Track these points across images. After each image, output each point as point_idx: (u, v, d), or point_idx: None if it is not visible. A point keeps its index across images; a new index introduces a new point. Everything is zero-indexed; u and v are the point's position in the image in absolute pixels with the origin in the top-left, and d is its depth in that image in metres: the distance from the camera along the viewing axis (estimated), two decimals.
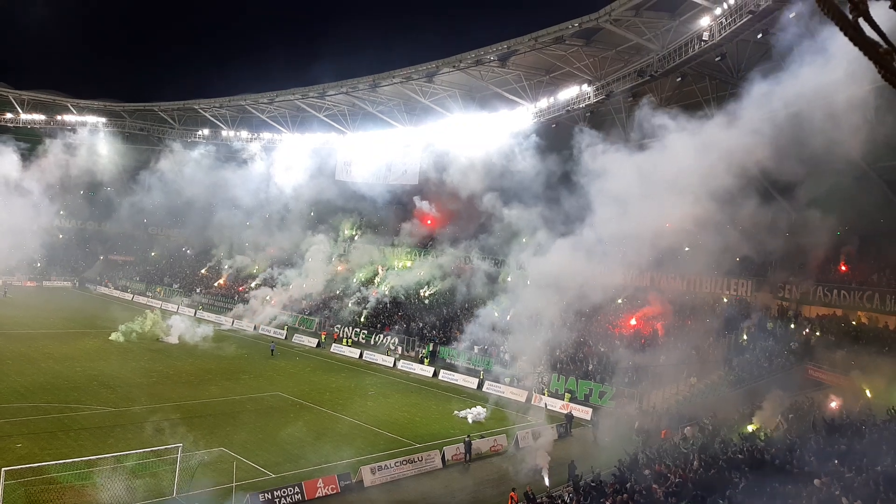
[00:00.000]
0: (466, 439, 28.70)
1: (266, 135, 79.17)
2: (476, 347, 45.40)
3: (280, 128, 76.63)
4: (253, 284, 67.59)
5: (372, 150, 68.74)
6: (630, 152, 32.98)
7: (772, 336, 36.29)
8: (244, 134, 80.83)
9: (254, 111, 75.49)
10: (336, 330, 54.91)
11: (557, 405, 37.10)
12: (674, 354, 36.27)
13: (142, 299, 73.38)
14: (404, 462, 26.45)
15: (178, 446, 22.85)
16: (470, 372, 43.74)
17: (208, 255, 79.45)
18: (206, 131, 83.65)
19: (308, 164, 70.47)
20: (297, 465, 25.49)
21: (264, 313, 59.39)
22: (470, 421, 33.78)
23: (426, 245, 62.19)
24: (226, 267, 74.46)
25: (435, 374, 44.92)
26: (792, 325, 37.47)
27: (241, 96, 73.89)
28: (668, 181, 29.97)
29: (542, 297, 36.84)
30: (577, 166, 37.91)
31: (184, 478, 22.48)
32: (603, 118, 50.11)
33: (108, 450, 25.19)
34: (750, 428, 27.10)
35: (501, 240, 45.57)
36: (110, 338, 49.00)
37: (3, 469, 19.56)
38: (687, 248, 38.29)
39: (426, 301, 55.52)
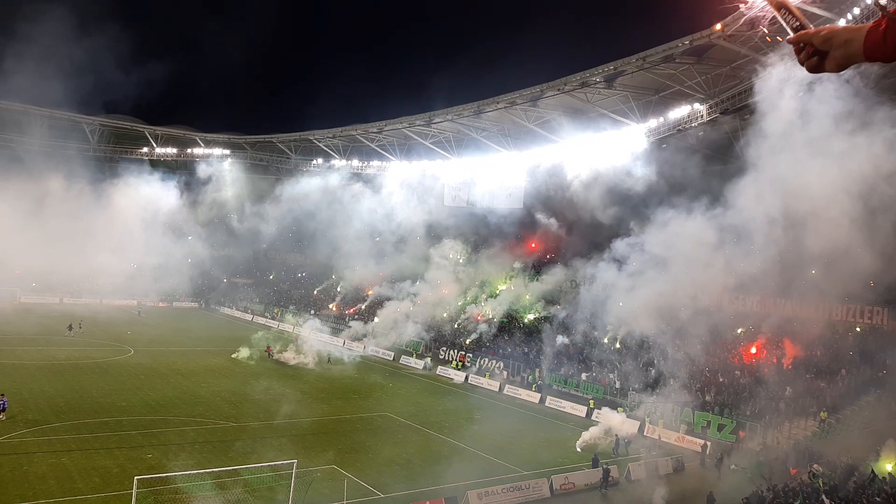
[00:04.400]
0: (605, 466, 28.18)
1: (375, 162, 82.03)
2: (585, 374, 44.28)
3: (388, 155, 79.14)
4: (363, 307, 69.31)
5: (477, 174, 69.50)
6: (754, 173, 31.28)
7: None
8: (355, 162, 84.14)
9: (364, 140, 78.47)
10: (462, 353, 54.41)
11: (672, 437, 35.39)
12: (801, 386, 33.77)
13: (260, 320, 77.41)
14: (511, 489, 26.05)
15: (293, 462, 23.60)
16: (578, 399, 42.66)
17: (322, 279, 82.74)
18: (319, 160, 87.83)
19: (415, 189, 72.15)
20: (406, 486, 25.67)
21: (381, 332, 60.27)
22: (579, 450, 32.83)
23: (534, 268, 61.59)
24: (338, 289, 77.14)
25: (542, 400, 44.16)
26: None
27: (352, 126, 77.11)
28: (794, 202, 28.19)
29: (657, 322, 35.45)
30: (692, 187, 36.50)
31: (298, 493, 23.17)
32: (717, 136, 48.01)
33: (228, 463, 26.48)
34: (888, 467, 24.64)
35: (612, 263, 44.21)
36: (233, 356, 51.89)
37: (136, 477, 20.90)
38: (813, 272, 35.74)
39: (534, 325, 54.85)
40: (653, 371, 40.02)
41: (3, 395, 31.42)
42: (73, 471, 25.06)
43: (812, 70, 2.69)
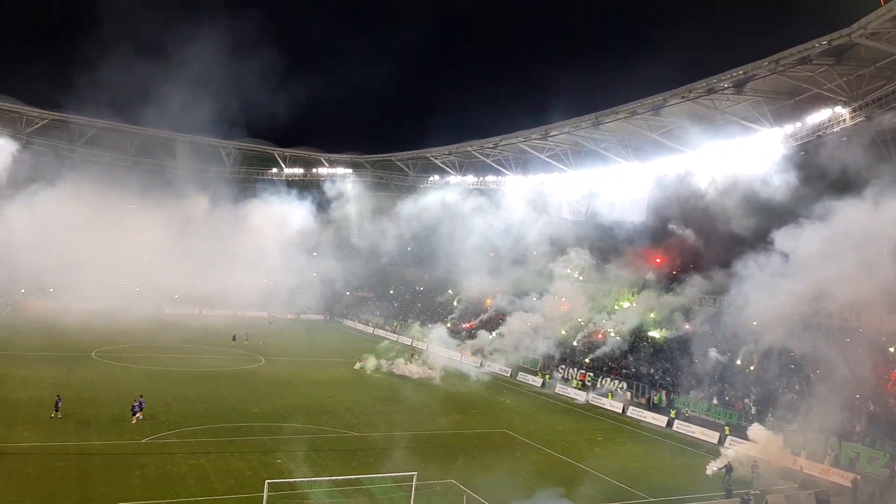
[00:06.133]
0: (746, 497, 26.37)
1: (491, 177, 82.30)
2: (716, 397, 41.66)
3: (503, 170, 79.16)
4: (481, 321, 69.10)
5: (596, 186, 67.95)
6: None
7: None
8: (471, 178, 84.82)
9: (479, 156, 78.99)
10: (583, 372, 52.62)
11: (817, 469, 32.47)
12: None
13: (381, 332, 79.50)
14: None
15: (413, 474, 23.72)
16: (709, 424, 40.16)
17: (440, 293, 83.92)
18: (436, 177, 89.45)
19: (532, 203, 71.56)
20: None
21: (502, 348, 59.77)
22: (709, 473, 30.77)
23: (663, 282, 58.89)
24: (455, 303, 77.78)
25: (669, 423, 41.98)
26: None
27: (467, 143, 77.83)
28: None
29: (799, 342, 32.71)
30: (840, 194, 33.50)
31: None
32: (864, 141, 43.93)
33: (350, 471, 27.17)
34: None
35: (749, 275, 41.17)
36: (355, 367, 53.52)
37: (266, 481, 21.76)
38: None
39: (662, 343, 52.43)
40: (794, 395, 36.96)
41: (141, 396, 34.00)
42: (210, 472, 26.55)
43: None
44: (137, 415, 32.81)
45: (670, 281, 57.99)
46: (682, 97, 50.73)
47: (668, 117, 55.38)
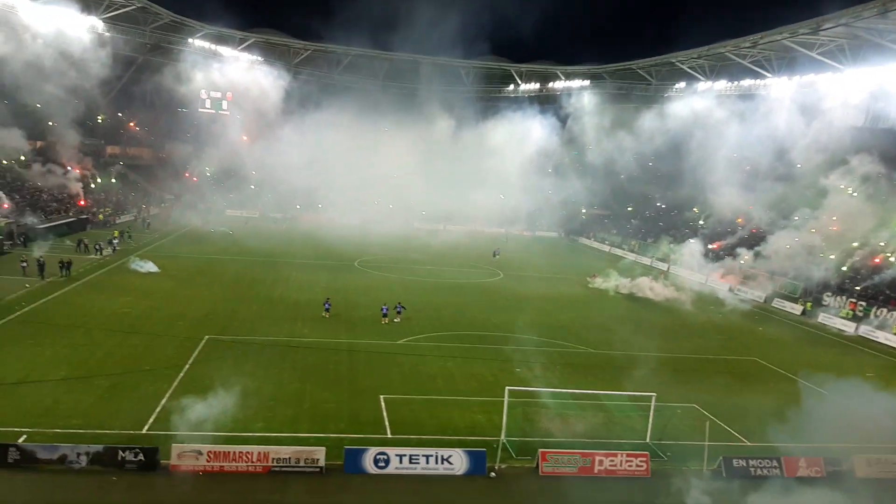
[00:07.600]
0: None
1: (746, 81, 73.99)
2: None
3: (763, 72, 70.55)
4: (736, 237, 63.23)
5: (882, 87, 57.40)
6: None
7: None
8: (722, 83, 77.01)
9: (734, 57, 71.25)
10: (853, 301, 46.48)
11: None
12: None
13: (618, 251, 77.80)
14: None
15: (652, 395, 23.20)
16: None
17: (685, 210, 79.12)
18: (682, 84, 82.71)
19: (799, 108, 62.84)
20: (776, 439, 23.27)
21: (755, 272, 55.00)
22: None
23: None
24: (701, 222, 72.73)
25: None
26: None
27: (720, 43, 70.52)
28: None
29: None
30: None
31: (656, 426, 22.82)
32: None
33: (587, 387, 27.42)
34: None
35: None
36: (591, 286, 53.28)
37: (507, 388, 22.83)
38: None
39: None
40: None
41: (399, 302, 37.99)
42: (456, 374, 28.75)
43: None
44: (396, 319, 36.55)
45: None
46: None
47: None
